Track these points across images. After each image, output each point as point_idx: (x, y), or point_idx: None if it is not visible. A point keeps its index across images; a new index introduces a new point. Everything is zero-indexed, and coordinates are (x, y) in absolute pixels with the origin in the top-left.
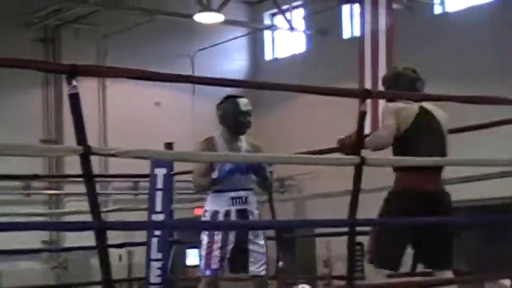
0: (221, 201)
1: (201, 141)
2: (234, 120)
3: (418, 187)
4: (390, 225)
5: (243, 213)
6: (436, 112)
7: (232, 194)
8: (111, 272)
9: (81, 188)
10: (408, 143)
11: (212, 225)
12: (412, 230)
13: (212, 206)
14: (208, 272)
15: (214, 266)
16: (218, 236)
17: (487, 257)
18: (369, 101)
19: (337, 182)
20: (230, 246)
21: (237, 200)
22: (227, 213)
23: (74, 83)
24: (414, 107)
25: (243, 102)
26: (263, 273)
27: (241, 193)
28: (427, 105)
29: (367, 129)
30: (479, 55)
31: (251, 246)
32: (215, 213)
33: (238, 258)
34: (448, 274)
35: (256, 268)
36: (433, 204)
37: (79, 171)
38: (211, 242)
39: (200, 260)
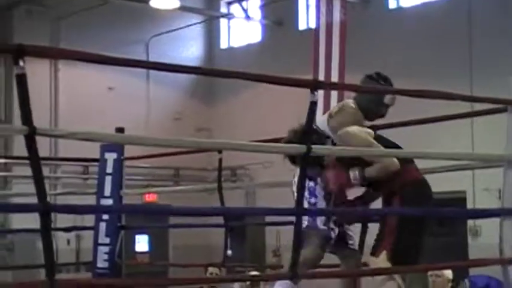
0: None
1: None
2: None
3: (421, 178)
4: (412, 219)
5: None
6: None
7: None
8: (54, 255)
9: (30, 171)
10: None
11: (165, 210)
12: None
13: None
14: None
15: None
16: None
17: (431, 250)
18: (321, 92)
19: (289, 172)
20: None
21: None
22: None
23: (21, 63)
24: None
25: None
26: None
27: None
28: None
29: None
30: (432, 50)
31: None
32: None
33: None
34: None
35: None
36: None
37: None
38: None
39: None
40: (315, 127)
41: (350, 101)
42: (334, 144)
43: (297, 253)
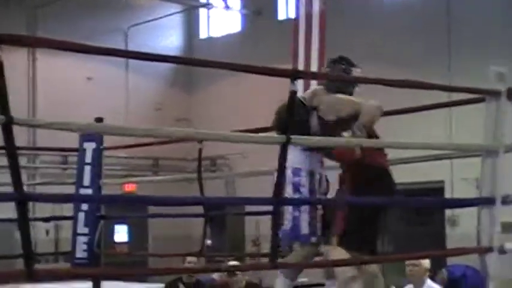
0: (315, 162)
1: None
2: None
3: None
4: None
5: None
6: None
7: (320, 156)
8: (32, 245)
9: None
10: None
11: (144, 200)
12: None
13: (307, 164)
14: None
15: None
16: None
17: (408, 239)
18: (301, 81)
19: (268, 162)
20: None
21: (322, 164)
22: (320, 178)
23: None
24: None
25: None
26: None
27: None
28: None
29: None
30: (411, 39)
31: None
32: (311, 174)
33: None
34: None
35: None
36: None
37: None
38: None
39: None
40: (302, 99)
41: (319, 88)
42: (319, 117)
43: (275, 242)
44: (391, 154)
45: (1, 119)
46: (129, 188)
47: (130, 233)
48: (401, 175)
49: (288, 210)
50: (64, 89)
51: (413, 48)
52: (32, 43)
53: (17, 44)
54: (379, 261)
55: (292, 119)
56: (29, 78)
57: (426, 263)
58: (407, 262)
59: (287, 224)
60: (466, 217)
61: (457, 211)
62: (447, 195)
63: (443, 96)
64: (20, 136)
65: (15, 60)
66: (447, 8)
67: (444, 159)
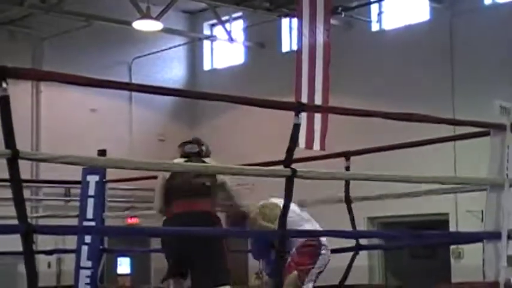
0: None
1: None
2: None
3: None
4: None
5: None
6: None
7: None
8: (38, 278)
9: (10, 192)
10: None
11: (147, 232)
12: None
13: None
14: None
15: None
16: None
17: (413, 272)
18: (304, 114)
19: (273, 194)
20: None
21: None
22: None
23: (4, 85)
24: None
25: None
26: None
27: None
28: None
29: (301, 142)
30: (414, 72)
31: None
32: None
33: None
34: None
35: None
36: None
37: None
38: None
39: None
40: None
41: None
42: None
43: (279, 275)
44: (396, 187)
45: (7, 153)
46: (132, 220)
47: (133, 265)
48: (406, 207)
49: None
50: (68, 120)
51: (416, 82)
52: (38, 77)
53: (24, 77)
54: None
55: (294, 148)
56: (33, 110)
57: None
58: None
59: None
60: (471, 249)
61: None
62: (452, 227)
63: (448, 130)
64: (23, 167)
65: (20, 92)
66: (450, 41)
67: (449, 193)
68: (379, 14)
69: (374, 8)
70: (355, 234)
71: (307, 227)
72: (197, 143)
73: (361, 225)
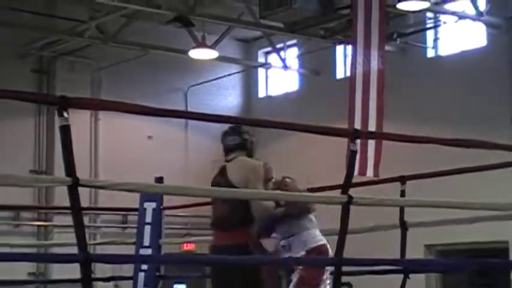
0: None
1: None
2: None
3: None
4: None
5: None
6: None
7: None
8: None
9: (70, 220)
10: None
11: (201, 260)
12: None
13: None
14: None
15: None
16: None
17: None
18: (358, 141)
19: (326, 221)
20: None
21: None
22: None
23: (65, 115)
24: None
25: None
26: None
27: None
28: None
29: (356, 169)
30: (472, 99)
31: None
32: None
33: None
34: None
35: None
36: None
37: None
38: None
39: None
40: None
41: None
42: None
43: None
44: (453, 213)
45: (68, 181)
46: (189, 247)
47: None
48: (465, 235)
49: None
50: (125, 147)
51: (474, 108)
52: (97, 106)
53: (85, 107)
54: None
55: (352, 175)
56: (91, 138)
57: None
58: None
59: None
60: None
61: None
62: None
63: (506, 155)
64: (82, 195)
65: (78, 120)
66: (508, 66)
67: (508, 220)
68: (435, 40)
69: (430, 34)
70: (404, 263)
71: (317, 233)
72: (238, 134)
73: (421, 253)
